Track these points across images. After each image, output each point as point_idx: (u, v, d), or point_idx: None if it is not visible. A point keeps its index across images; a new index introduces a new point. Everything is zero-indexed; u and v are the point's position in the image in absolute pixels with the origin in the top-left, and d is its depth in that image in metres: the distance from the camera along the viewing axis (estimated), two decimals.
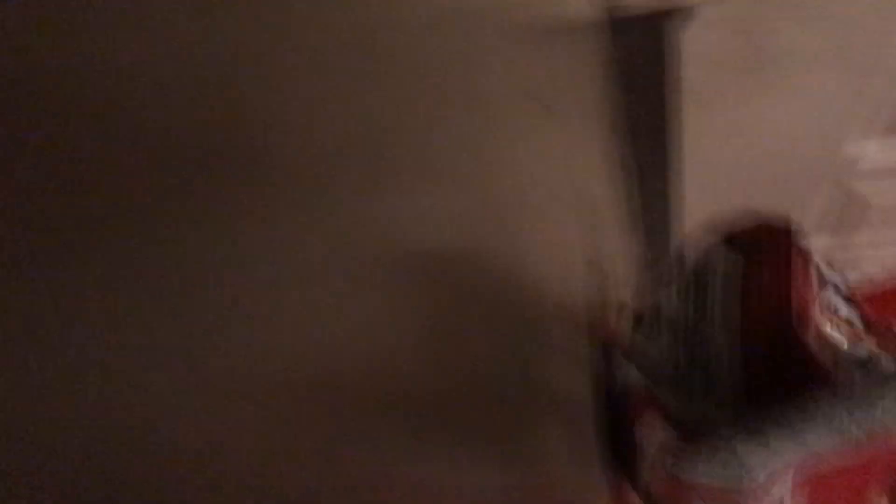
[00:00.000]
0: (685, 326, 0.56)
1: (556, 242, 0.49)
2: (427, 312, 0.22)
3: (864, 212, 1.91)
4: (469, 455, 0.26)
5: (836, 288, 0.57)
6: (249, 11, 0.14)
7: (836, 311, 0.56)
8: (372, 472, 0.17)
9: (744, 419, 0.45)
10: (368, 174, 0.18)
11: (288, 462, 0.13)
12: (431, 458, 0.21)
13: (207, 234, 0.12)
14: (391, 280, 0.19)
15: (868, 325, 0.56)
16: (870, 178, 1.79)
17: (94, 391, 0.09)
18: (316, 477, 0.14)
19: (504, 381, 0.33)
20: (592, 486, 0.52)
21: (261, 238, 0.14)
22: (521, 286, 0.38)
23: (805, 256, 0.54)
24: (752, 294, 0.52)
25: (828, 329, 0.55)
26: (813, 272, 0.56)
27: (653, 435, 0.50)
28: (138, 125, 0.11)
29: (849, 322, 0.56)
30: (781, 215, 0.53)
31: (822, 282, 0.56)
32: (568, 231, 0.54)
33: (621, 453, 0.55)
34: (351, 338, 0.16)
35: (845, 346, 0.53)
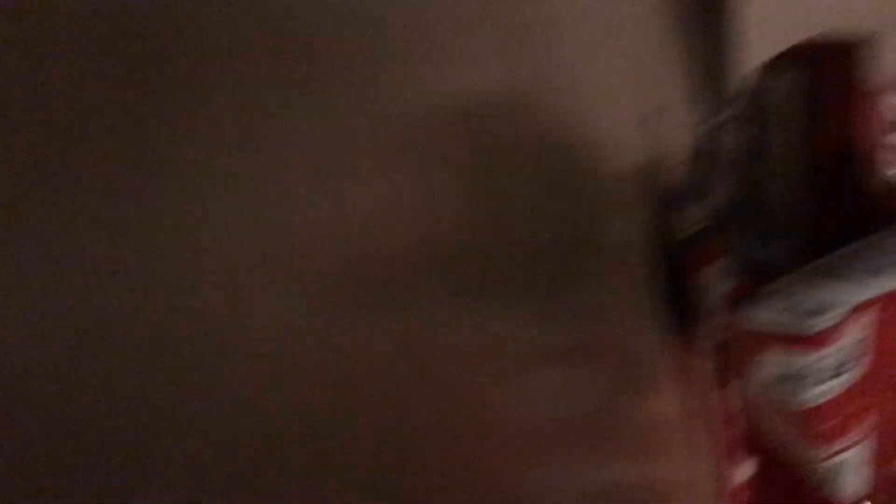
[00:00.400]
0: (745, 163, 0.53)
1: (609, 89, 0.46)
2: (474, 171, 0.21)
3: None
4: (524, 315, 0.25)
5: None
6: None
7: None
8: (421, 341, 0.16)
9: (814, 259, 0.43)
10: (400, 35, 0.17)
11: (325, 338, 0.12)
12: (484, 321, 0.20)
13: (238, 102, 0.11)
14: (433, 139, 0.18)
15: None
16: None
17: (115, 268, 0.08)
18: (359, 350, 0.13)
19: (558, 238, 0.32)
20: (652, 342, 0.51)
21: (293, 106, 0.13)
22: (572, 137, 0.37)
23: (870, 90, 0.50)
24: (814, 127, 0.49)
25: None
26: (882, 108, 0.51)
27: (720, 282, 0.48)
28: None
29: None
30: (850, 33, 0.48)
31: (893, 117, 0.52)
32: (622, 77, 0.51)
33: (681, 306, 0.53)
34: (396, 203, 0.16)
35: None
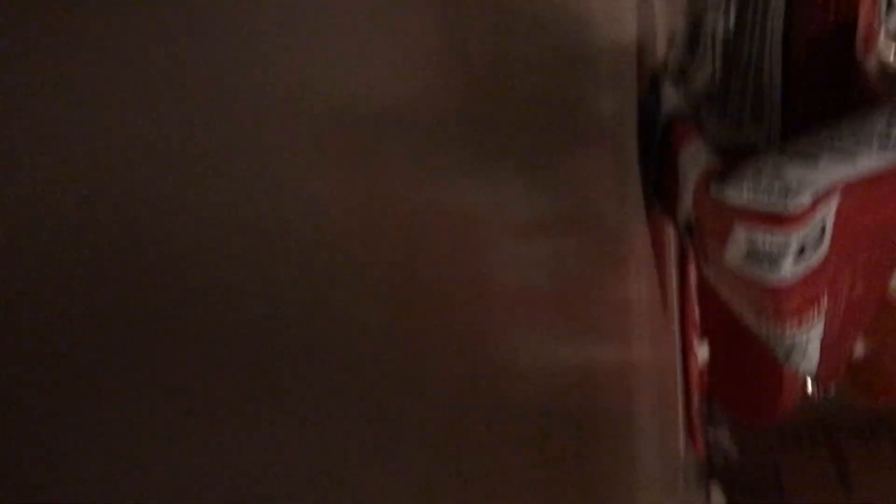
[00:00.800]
0: (730, 44, 0.53)
1: None
2: (466, 35, 0.21)
3: None
4: (514, 182, 0.26)
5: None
6: None
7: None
8: (412, 204, 0.16)
9: (791, 140, 0.44)
10: None
11: (316, 193, 0.12)
12: (473, 186, 0.21)
13: None
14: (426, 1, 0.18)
15: None
16: None
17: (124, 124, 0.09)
18: (351, 211, 0.13)
19: (549, 107, 0.32)
20: (632, 217, 0.52)
21: None
22: (566, 8, 0.36)
23: None
24: (804, 9, 0.49)
25: (891, 57, 0.53)
26: None
27: (697, 161, 0.49)
28: None
29: None
30: None
31: (890, 4, 0.52)
32: None
33: (662, 182, 0.54)
34: (389, 63, 0.16)
35: None
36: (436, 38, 0.19)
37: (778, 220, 0.44)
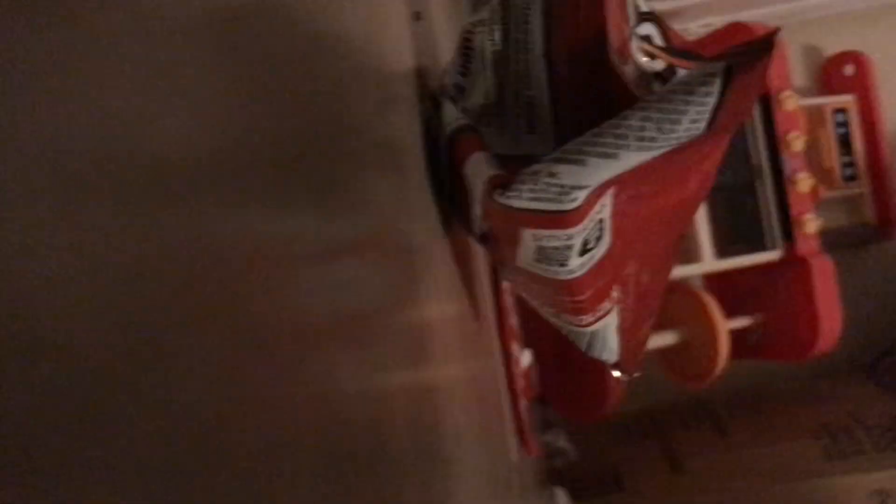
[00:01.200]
0: (499, 60, 0.57)
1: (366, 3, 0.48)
2: (240, 75, 0.21)
3: None
4: (306, 207, 0.26)
5: (651, 17, 0.58)
6: None
7: (650, 41, 0.58)
8: (194, 242, 0.16)
9: (561, 145, 0.47)
10: None
11: (93, 242, 0.12)
12: (261, 219, 0.21)
13: None
14: (195, 48, 0.18)
15: (675, 50, 0.58)
16: None
17: None
18: (134, 251, 0.13)
19: (334, 135, 0.33)
20: (430, 233, 0.54)
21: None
22: (342, 37, 0.37)
23: None
24: (560, 21, 0.53)
25: (643, 59, 0.58)
26: (630, 4, 0.57)
27: (481, 171, 0.52)
28: None
29: (662, 49, 0.58)
30: None
31: (639, 12, 0.57)
32: None
33: (453, 197, 0.57)
34: (163, 102, 0.15)
35: (657, 69, 0.56)
36: (213, 82, 0.19)
37: (558, 219, 0.47)
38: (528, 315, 1.26)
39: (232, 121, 0.20)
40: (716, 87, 0.45)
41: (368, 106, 0.43)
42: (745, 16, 2.21)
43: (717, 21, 2.34)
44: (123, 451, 0.12)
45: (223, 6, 0.20)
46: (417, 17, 0.62)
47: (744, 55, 0.45)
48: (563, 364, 1.66)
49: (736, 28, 2.12)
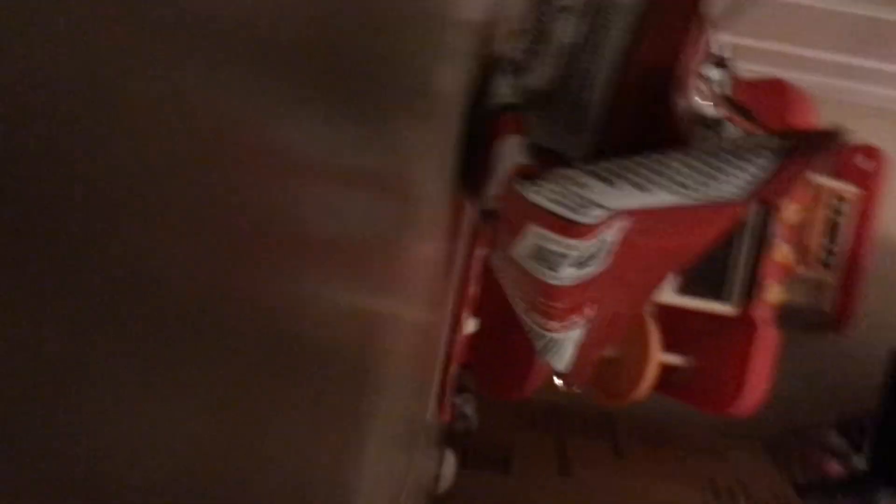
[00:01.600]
0: (571, 53, 0.56)
1: None
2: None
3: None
4: (339, 126, 0.26)
5: (723, 64, 0.58)
6: None
7: (713, 85, 0.58)
8: (238, 137, 0.16)
9: (599, 158, 0.47)
10: None
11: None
12: (306, 127, 0.21)
13: None
14: None
15: (735, 105, 0.58)
16: None
17: None
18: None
19: (392, 68, 0.33)
20: (444, 190, 0.54)
21: None
22: None
23: (702, 22, 0.54)
24: (643, 39, 0.52)
25: (702, 101, 0.57)
26: (711, 44, 0.56)
27: (512, 155, 0.51)
28: None
29: (723, 98, 0.57)
30: None
31: (714, 55, 0.57)
32: None
33: (476, 165, 0.56)
34: None
35: (711, 115, 0.55)
36: None
37: (569, 228, 0.47)
38: (483, 284, 1.26)
39: (301, 22, 0.19)
40: (769, 160, 0.45)
41: (428, 50, 0.43)
42: (791, 76, 2.21)
43: (759, 70, 2.33)
44: (112, 321, 0.12)
45: None
46: None
47: (807, 141, 0.45)
48: (499, 338, 1.68)
49: (775, 84, 2.12)
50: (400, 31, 0.34)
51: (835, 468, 2.22)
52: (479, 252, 1.04)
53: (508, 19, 0.68)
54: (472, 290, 1.05)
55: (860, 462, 2.22)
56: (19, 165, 0.09)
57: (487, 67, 0.58)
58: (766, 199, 0.47)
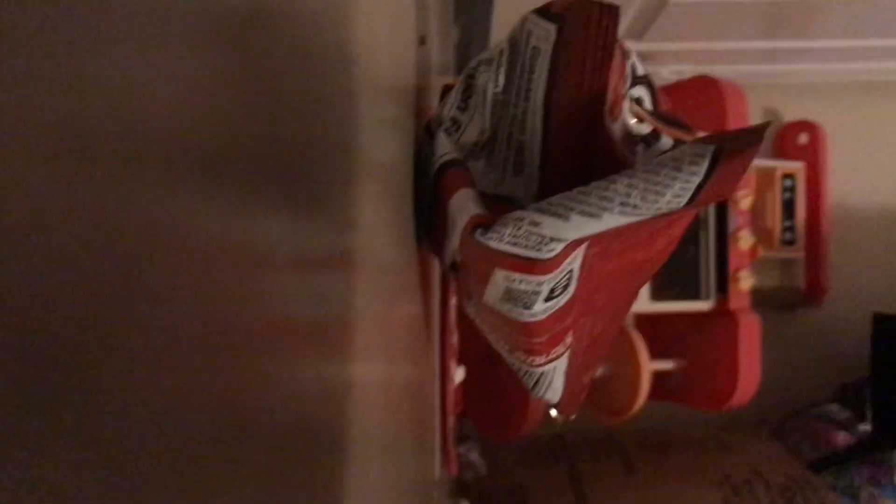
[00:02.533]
0: (500, 101, 0.58)
1: (388, 18, 0.48)
2: (246, 73, 0.20)
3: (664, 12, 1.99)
4: (292, 213, 0.26)
5: (645, 81, 0.61)
6: None
7: (641, 104, 0.60)
8: (172, 227, 0.16)
9: (548, 197, 0.49)
10: None
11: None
12: (242, 220, 0.20)
13: None
14: (204, 38, 0.18)
15: (662, 116, 0.61)
16: None
17: None
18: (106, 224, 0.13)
19: (326, 151, 0.33)
20: (407, 254, 0.55)
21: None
22: (344, 54, 0.37)
23: (624, 48, 0.57)
24: (566, 76, 0.55)
25: (632, 121, 0.60)
26: (629, 66, 0.59)
27: (465, 207, 0.53)
28: None
29: (650, 114, 0.60)
30: (603, 1, 0.55)
31: (635, 75, 0.60)
32: (397, 8, 0.53)
33: (432, 222, 0.58)
34: (163, 85, 0.15)
35: (643, 132, 0.58)
36: (227, 72, 0.19)
37: (533, 266, 0.49)
38: (463, 332, 1.28)
39: (229, 115, 0.20)
40: (703, 167, 0.47)
41: (367, 123, 0.44)
42: (715, 70, 2.27)
43: (687, 70, 2.39)
44: (83, 430, 0.12)
45: (240, 7, 0.20)
46: (422, 41, 0.63)
47: (733, 142, 0.47)
48: (488, 381, 1.68)
49: (703, 81, 2.17)
50: (338, 115, 0.36)
51: (843, 438, 2.24)
52: (453, 301, 1.06)
53: (440, 82, 0.71)
54: (454, 339, 1.06)
55: (866, 428, 2.25)
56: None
57: (428, 130, 0.60)
58: (712, 199, 0.49)
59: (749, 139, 0.47)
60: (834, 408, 2.34)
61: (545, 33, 0.56)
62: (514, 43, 0.58)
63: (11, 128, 0.10)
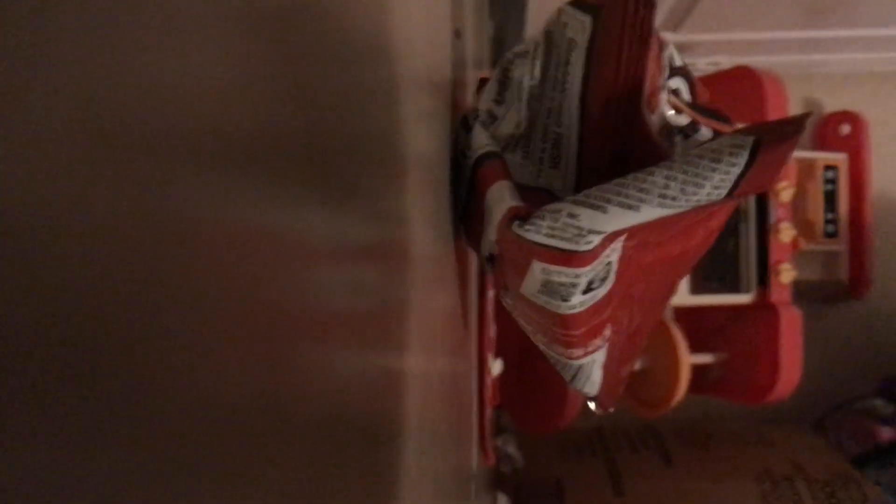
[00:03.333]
0: (536, 94, 0.58)
1: (424, 11, 0.48)
2: (286, 63, 0.20)
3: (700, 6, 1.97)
4: (333, 208, 0.26)
5: (682, 72, 0.60)
6: None
7: (679, 95, 0.60)
8: (215, 216, 0.16)
9: (585, 189, 0.49)
10: None
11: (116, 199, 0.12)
12: (305, 213, 0.21)
13: None
14: (247, 31, 0.18)
15: (700, 108, 0.60)
16: None
17: None
18: (149, 213, 0.13)
19: (364, 141, 0.34)
20: (445, 245, 0.55)
21: None
22: (381, 46, 0.38)
23: (661, 40, 0.57)
24: (602, 67, 0.54)
25: (671, 112, 0.59)
26: (666, 58, 0.59)
27: (502, 199, 0.53)
28: None
29: (688, 105, 0.60)
30: None
31: (673, 66, 0.59)
32: (433, 2, 0.53)
33: (470, 214, 0.58)
34: (204, 77, 0.15)
35: (681, 123, 0.57)
36: (268, 64, 0.20)
37: (570, 258, 0.49)
38: (501, 324, 1.28)
39: (270, 107, 0.20)
40: (743, 158, 0.47)
41: (405, 116, 0.44)
42: (753, 61, 2.24)
43: (725, 61, 2.37)
44: (119, 429, 0.12)
45: (279, 2, 0.20)
46: (458, 34, 0.63)
47: (773, 132, 0.47)
48: (526, 374, 1.68)
49: (742, 72, 2.15)
50: (377, 107, 0.36)
51: (886, 433, 2.21)
52: (490, 293, 1.06)
53: (475, 75, 0.71)
54: (491, 331, 1.06)
55: None
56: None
57: (465, 123, 0.60)
58: (752, 191, 0.48)
59: (789, 130, 0.47)
60: (878, 402, 2.30)
61: (581, 25, 0.56)
62: (550, 35, 0.58)
63: (52, 119, 0.10)
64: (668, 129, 0.59)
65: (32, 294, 0.10)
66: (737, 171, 0.46)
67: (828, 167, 2.31)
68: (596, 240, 0.48)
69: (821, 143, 2.49)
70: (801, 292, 2.05)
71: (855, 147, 2.39)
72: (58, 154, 0.10)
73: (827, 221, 2.31)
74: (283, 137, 0.22)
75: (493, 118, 0.60)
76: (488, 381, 1.00)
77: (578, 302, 0.53)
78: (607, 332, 0.59)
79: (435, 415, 0.52)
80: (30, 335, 0.10)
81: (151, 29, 0.14)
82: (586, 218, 0.48)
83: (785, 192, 1.94)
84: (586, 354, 0.59)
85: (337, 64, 0.29)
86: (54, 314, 0.10)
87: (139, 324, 0.13)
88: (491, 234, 0.54)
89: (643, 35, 0.53)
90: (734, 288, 1.95)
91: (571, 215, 0.48)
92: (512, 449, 1.92)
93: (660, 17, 2.16)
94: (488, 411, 1.03)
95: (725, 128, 0.59)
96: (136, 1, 0.13)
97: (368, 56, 0.35)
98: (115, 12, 0.12)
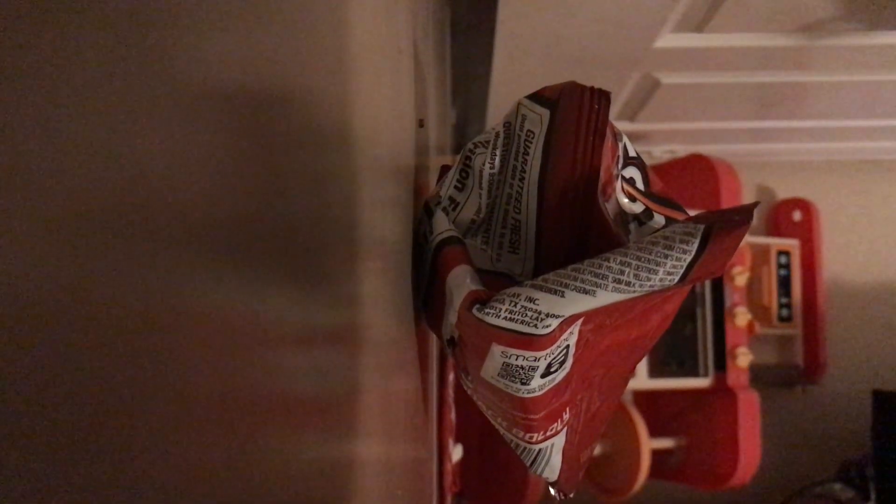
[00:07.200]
0: (496, 181, 0.60)
1: (389, 102, 0.50)
2: (247, 154, 0.21)
3: (657, 97, 2.04)
4: (299, 292, 0.27)
5: (636, 162, 0.62)
6: None
7: (633, 184, 0.62)
8: (177, 301, 0.16)
9: (543, 274, 0.50)
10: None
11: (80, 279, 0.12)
12: (245, 296, 0.21)
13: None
14: (218, 119, 0.18)
15: (654, 196, 0.62)
16: (670, 69, 1.90)
17: None
18: (110, 295, 0.13)
19: (328, 229, 0.34)
20: (406, 331, 0.56)
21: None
22: (347, 137, 0.39)
23: (616, 130, 0.59)
24: (554, 153, 0.56)
25: (625, 200, 0.61)
26: (621, 148, 0.61)
27: (462, 283, 0.54)
28: None
29: (642, 194, 0.62)
30: (595, 87, 0.57)
31: (627, 156, 0.61)
32: (394, 89, 0.55)
33: (430, 298, 0.59)
34: (179, 168, 0.16)
35: (636, 211, 0.59)
36: (245, 156, 0.20)
37: (530, 342, 0.50)
38: (461, 409, 1.27)
39: (238, 193, 0.20)
40: (694, 245, 0.48)
41: (369, 202, 0.45)
42: (708, 149, 2.31)
43: (680, 149, 2.44)
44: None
45: (252, 89, 0.21)
46: (420, 123, 0.65)
47: (723, 221, 0.49)
48: (486, 460, 1.67)
49: (697, 160, 2.21)
50: (342, 194, 0.37)
51: None
52: (451, 378, 1.06)
53: (438, 161, 0.73)
54: (452, 416, 1.06)
55: None
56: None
57: (427, 208, 0.61)
58: (704, 276, 0.50)
59: (739, 218, 0.49)
60: (837, 487, 2.31)
61: (538, 118, 0.58)
62: (509, 126, 0.60)
63: (29, 201, 0.10)
64: (623, 216, 0.61)
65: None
66: (688, 257, 0.48)
67: (781, 252, 2.36)
68: (554, 323, 0.49)
69: (774, 228, 2.56)
70: (758, 376, 2.07)
71: (807, 233, 2.46)
72: (50, 244, 0.10)
73: (781, 306, 2.35)
74: (250, 223, 0.22)
75: (454, 204, 0.61)
76: (448, 467, 0.99)
77: (538, 385, 0.54)
78: (566, 415, 0.60)
79: (393, 503, 0.52)
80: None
81: (140, 121, 0.14)
82: (545, 302, 0.49)
83: (740, 276, 1.98)
84: (546, 438, 0.60)
85: (304, 152, 0.30)
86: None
87: (108, 409, 0.13)
88: (451, 317, 0.55)
89: (598, 128, 0.56)
90: (693, 372, 1.97)
91: (530, 299, 0.49)
92: None
93: (616, 107, 2.22)
94: (448, 498, 1.02)
95: (678, 215, 0.61)
96: (125, 100, 0.14)
97: (335, 145, 0.36)
98: (97, 100, 0.12)
